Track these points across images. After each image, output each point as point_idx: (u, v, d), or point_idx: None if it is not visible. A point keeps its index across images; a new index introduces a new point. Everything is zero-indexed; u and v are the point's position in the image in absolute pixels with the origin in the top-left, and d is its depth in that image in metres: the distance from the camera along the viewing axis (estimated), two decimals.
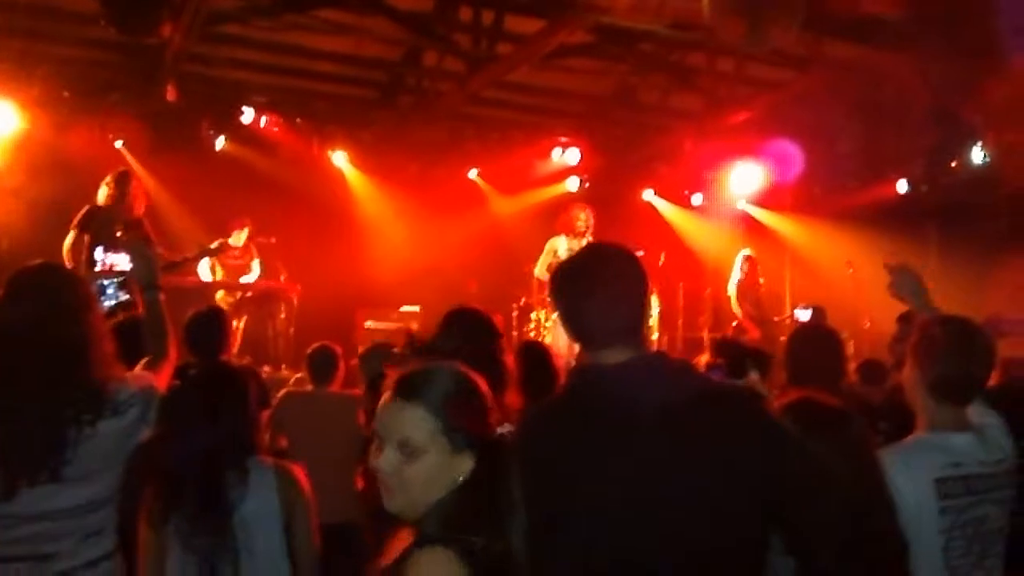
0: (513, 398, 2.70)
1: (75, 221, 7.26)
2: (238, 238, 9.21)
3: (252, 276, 9.27)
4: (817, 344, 3.57)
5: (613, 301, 2.12)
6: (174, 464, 2.93)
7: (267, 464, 3.07)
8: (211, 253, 8.56)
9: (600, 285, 2.13)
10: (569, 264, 2.26)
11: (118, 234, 7.17)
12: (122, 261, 7.08)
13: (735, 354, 5.65)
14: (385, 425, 1.87)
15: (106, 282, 6.93)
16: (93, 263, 7.06)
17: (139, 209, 7.47)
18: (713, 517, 1.96)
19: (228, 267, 9.10)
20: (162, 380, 2.84)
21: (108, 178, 7.46)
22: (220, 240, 8.64)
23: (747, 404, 2.21)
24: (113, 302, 6.75)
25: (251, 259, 9.27)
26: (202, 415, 2.97)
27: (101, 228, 7.20)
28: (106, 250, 7.16)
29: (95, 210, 7.31)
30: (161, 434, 2.86)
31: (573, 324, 2.18)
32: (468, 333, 2.94)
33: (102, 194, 7.37)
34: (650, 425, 1.98)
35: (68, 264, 6.83)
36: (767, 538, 2.06)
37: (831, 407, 2.55)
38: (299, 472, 3.13)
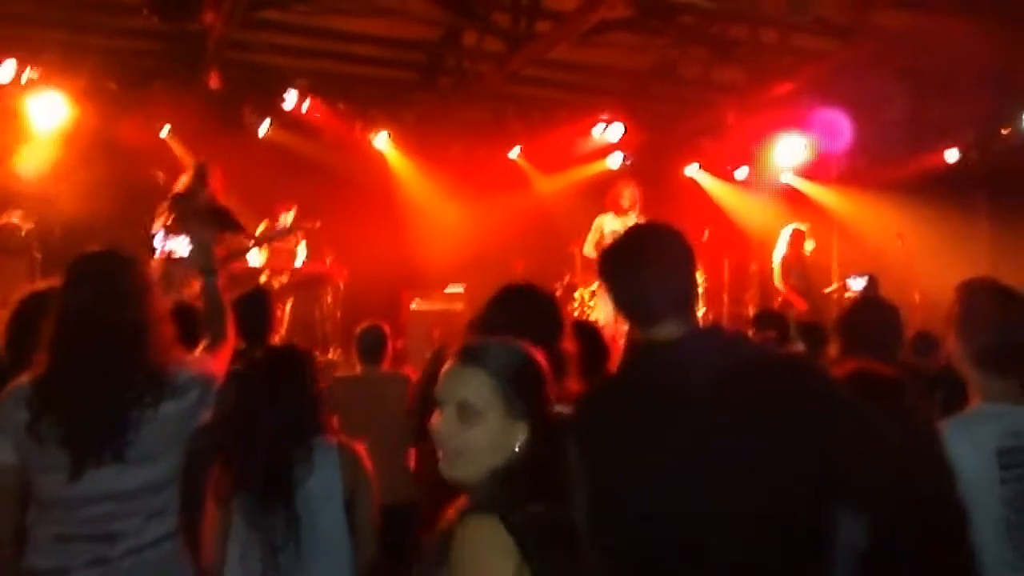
0: (573, 383, 2.66)
1: (159, 209, 7.41)
2: (285, 220, 9.29)
3: (298, 260, 9.34)
4: (875, 316, 3.53)
5: (662, 277, 2.13)
6: (239, 443, 2.99)
7: (331, 443, 3.11)
8: (282, 234, 8.68)
9: (648, 262, 2.15)
10: (616, 244, 2.28)
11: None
12: (180, 247, 7.18)
13: (779, 326, 5.64)
14: (445, 389, 1.89)
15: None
16: (152, 249, 7.17)
17: (220, 196, 7.57)
18: (771, 486, 1.96)
19: (275, 251, 9.18)
20: (221, 363, 2.90)
21: (189, 168, 7.60)
22: (285, 225, 8.80)
23: (803, 370, 2.21)
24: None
25: (297, 243, 9.35)
26: (266, 396, 3.03)
27: (182, 208, 7.33)
28: (165, 236, 7.26)
29: (177, 197, 7.44)
30: (227, 414, 2.91)
31: (623, 302, 2.19)
32: (520, 316, 2.76)
33: (182, 182, 7.50)
34: (706, 397, 1.98)
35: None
36: (826, 506, 2.03)
37: (885, 376, 2.54)
38: (361, 450, 3.18)
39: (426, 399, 2.45)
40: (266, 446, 2.98)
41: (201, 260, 3.08)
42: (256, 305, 4.35)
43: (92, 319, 2.59)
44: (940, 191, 10.03)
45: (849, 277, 9.25)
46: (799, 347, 5.39)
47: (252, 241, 8.41)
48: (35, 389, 2.54)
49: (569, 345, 2.82)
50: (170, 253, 7.24)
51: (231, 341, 3.01)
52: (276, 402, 3.04)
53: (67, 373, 2.54)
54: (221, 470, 2.99)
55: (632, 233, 2.31)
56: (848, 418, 2.06)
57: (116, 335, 2.59)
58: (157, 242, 7.21)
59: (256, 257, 8.99)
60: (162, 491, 2.65)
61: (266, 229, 9.15)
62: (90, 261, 2.72)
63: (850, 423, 2.05)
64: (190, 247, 3.29)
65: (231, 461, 2.99)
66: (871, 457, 2.03)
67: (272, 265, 9.14)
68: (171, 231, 7.28)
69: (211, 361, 2.85)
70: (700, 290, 9.38)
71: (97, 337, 2.57)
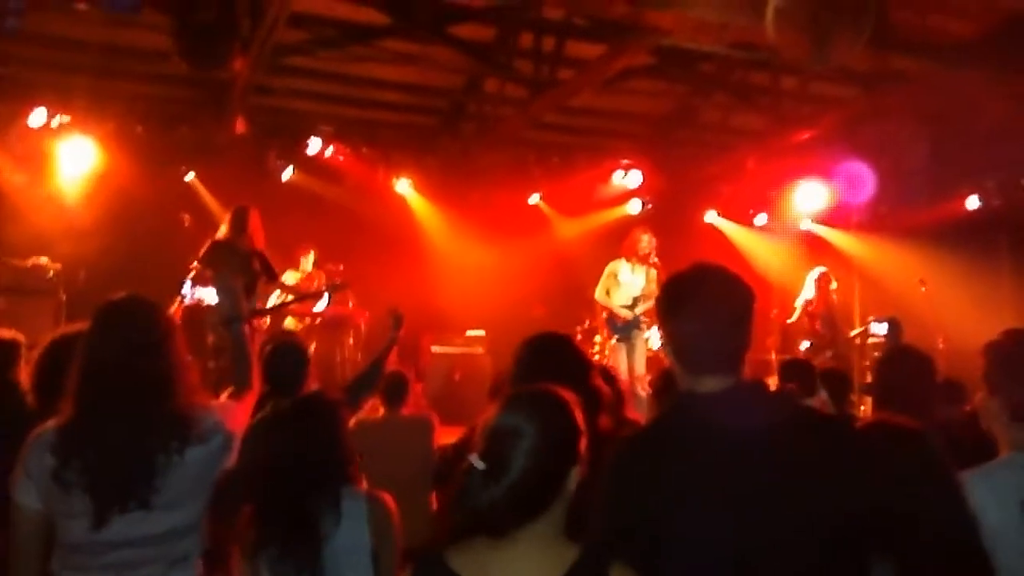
0: (605, 421, 2.66)
1: (199, 255, 7.41)
2: (305, 264, 9.36)
3: (321, 303, 9.39)
4: (908, 369, 3.50)
5: (718, 329, 2.10)
6: (266, 494, 2.97)
7: (359, 494, 3.09)
8: (336, 289, 8.78)
9: (709, 311, 2.10)
10: (679, 284, 2.22)
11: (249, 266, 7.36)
12: (209, 295, 7.25)
13: (804, 375, 5.61)
14: None
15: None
16: (182, 297, 7.22)
17: (259, 242, 7.54)
18: (818, 544, 1.94)
19: (298, 291, 9.23)
20: (244, 411, 2.91)
21: (228, 215, 7.61)
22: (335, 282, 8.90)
23: (846, 432, 2.20)
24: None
25: (320, 286, 9.40)
26: (293, 445, 3.01)
27: (223, 261, 7.30)
28: (193, 284, 7.32)
29: (217, 244, 7.44)
30: (253, 464, 2.91)
31: (676, 347, 2.16)
32: (546, 366, 2.72)
33: (222, 229, 7.52)
34: (753, 452, 1.96)
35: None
36: (868, 564, 2.02)
37: (905, 426, 2.53)
38: (390, 501, 3.14)
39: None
40: (293, 497, 2.96)
41: (228, 308, 3.11)
42: (292, 358, 4.34)
43: (117, 366, 2.60)
44: (962, 237, 9.99)
45: (871, 320, 9.20)
46: (823, 396, 5.35)
47: (287, 295, 8.47)
48: (61, 436, 2.54)
49: (600, 383, 2.83)
50: (199, 301, 7.28)
51: (255, 390, 3.02)
52: (303, 452, 3.02)
53: (92, 420, 2.55)
54: (247, 522, 2.97)
55: (695, 274, 2.22)
56: (892, 484, 2.07)
57: (141, 382, 2.60)
58: (186, 290, 7.24)
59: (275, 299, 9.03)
60: (185, 537, 2.64)
61: (298, 284, 9.21)
62: (115, 308, 2.73)
63: (895, 489, 2.07)
64: (218, 296, 3.34)
65: (257, 512, 2.97)
66: (913, 523, 2.03)
67: (294, 308, 9.20)
68: (199, 280, 7.33)
69: (235, 408, 2.87)
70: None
71: (122, 384, 2.58)
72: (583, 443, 1.92)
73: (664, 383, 4.73)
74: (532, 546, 1.84)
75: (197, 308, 7.27)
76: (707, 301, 2.12)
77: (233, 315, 3.10)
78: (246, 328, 3.08)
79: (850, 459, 2.05)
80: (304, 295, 8.76)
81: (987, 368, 2.70)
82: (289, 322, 9.17)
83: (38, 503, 2.53)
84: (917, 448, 2.44)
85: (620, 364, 8.57)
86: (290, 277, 9.17)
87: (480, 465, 1.85)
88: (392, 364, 5.48)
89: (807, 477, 1.97)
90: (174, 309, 6.90)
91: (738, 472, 1.96)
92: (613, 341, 8.93)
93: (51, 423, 2.59)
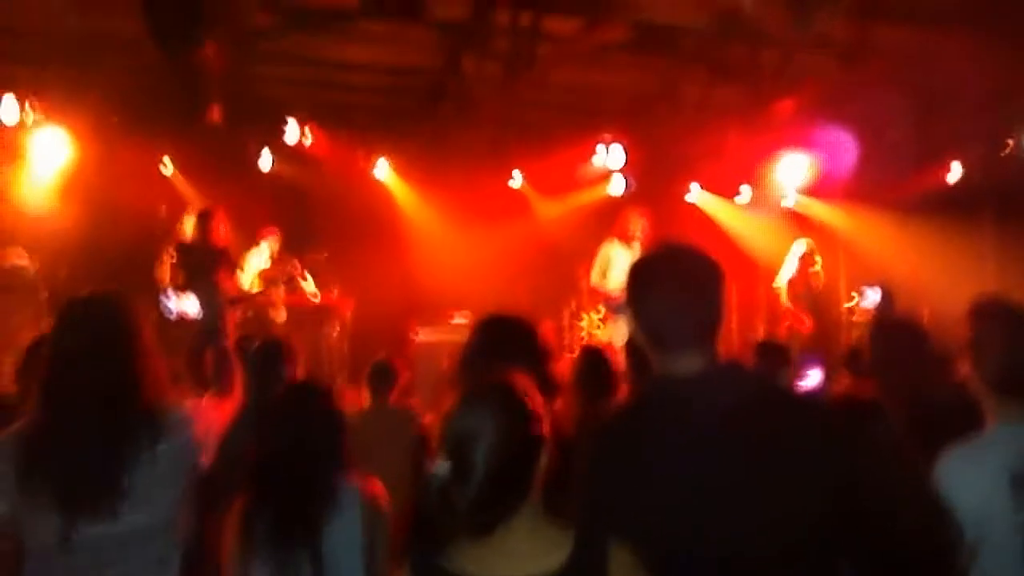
0: (561, 404, 2.65)
1: (164, 256, 7.67)
2: (271, 246, 9.27)
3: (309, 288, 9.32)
4: (903, 340, 3.48)
5: (688, 305, 2.07)
6: (260, 485, 2.93)
7: (353, 484, 3.05)
8: (291, 280, 8.93)
9: (676, 288, 2.08)
10: (645, 263, 2.21)
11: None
12: (191, 307, 7.30)
13: (779, 355, 5.57)
14: None
15: None
16: (167, 311, 7.36)
17: (224, 240, 7.78)
18: (785, 525, 1.93)
19: (266, 279, 9.12)
20: (222, 413, 2.88)
21: (192, 215, 7.83)
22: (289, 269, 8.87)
23: (819, 414, 2.19)
24: None
25: (288, 269, 9.29)
26: (289, 433, 2.97)
27: (185, 261, 7.61)
28: (175, 297, 7.44)
29: (180, 246, 7.72)
30: (250, 452, 2.86)
31: (646, 326, 2.13)
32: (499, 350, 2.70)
33: (187, 230, 7.75)
34: (729, 435, 1.95)
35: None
36: (836, 545, 2.02)
37: (868, 402, 2.56)
38: (382, 492, 3.11)
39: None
40: (289, 488, 2.91)
41: (211, 320, 3.11)
42: (274, 358, 4.26)
43: (85, 360, 2.55)
44: (945, 208, 9.98)
45: (864, 287, 9.19)
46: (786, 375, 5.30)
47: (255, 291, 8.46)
48: (25, 443, 2.50)
49: (562, 368, 2.81)
50: (182, 315, 7.33)
51: (237, 395, 3.00)
52: (298, 440, 2.98)
53: (59, 420, 2.51)
54: (240, 517, 2.92)
55: (662, 254, 2.23)
56: (863, 465, 2.09)
57: (111, 377, 2.55)
58: (170, 303, 7.32)
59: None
60: (157, 536, 2.58)
61: (264, 270, 9.14)
62: (82, 303, 2.70)
63: (866, 472, 2.10)
64: (201, 309, 3.33)
65: (250, 505, 2.92)
66: (884, 507, 2.05)
67: (285, 299, 9.12)
68: (180, 291, 7.46)
69: (211, 409, 2.83)
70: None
71: (92, 380, 2.53)
72: (545, 427, 1.90)
73: (637, 361, 4.59)
74: (525, 535, 1.83)
75: (181, 322, 7.28)
76: (676, 279, 2.10)
77: (216, 327, 3.09)
78: (227, 339, 3.07)
79: (819, 438, 2.05)
80: (266, 289, 8.69)
81: (969, 338, 2.66)
82: (273, 313, 9.06)
83: (4, 507, 2.48)
84: (875, 424, 2.47)
85: (618, 334, 8.62)
86: (254, 261, 9.09)
87: (445, 468, 1.82)
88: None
89: (781, 459, 1.96)
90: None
91: (715, 455, 1.95)
92: (611, 321, 9.01)
93: (15, 427, 2.53)
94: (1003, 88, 8.33)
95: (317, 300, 9.27)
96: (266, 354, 4.25)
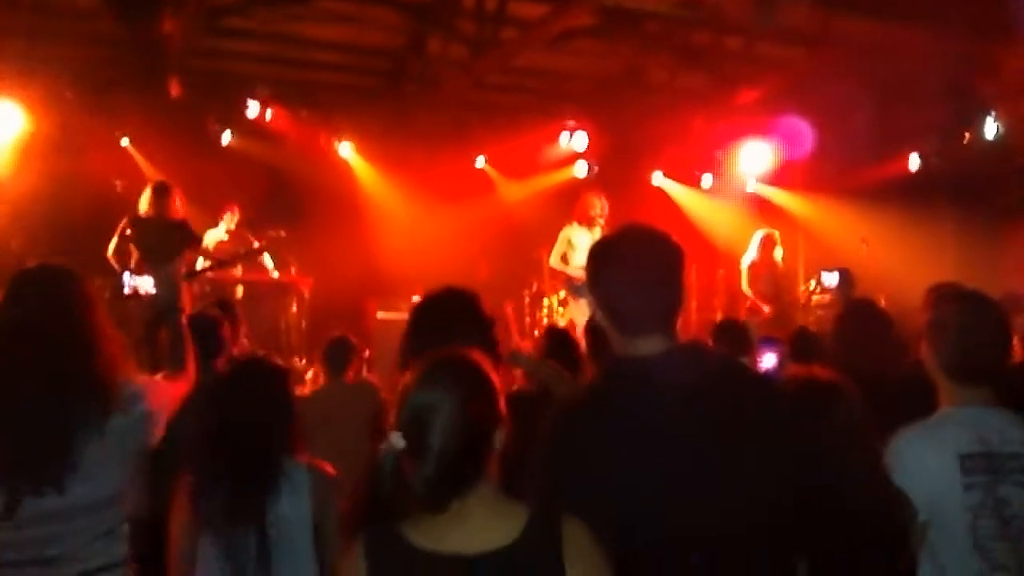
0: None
1: (118, 229, 7.45)
2: (229, 223, 9.18)
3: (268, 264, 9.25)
4: (867, 324, 3.53)
5: (651, 288, 2.08)
6: (207, 461, 2.90)
7: (301, 464, 3.03)
8: (252, 255, 8.75)
9: (638, 271, 2.09)
10: (606, 247, 2.22)
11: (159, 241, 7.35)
12: (147, 284, 7.20)
13: (738, 335, 5.60)
14: None
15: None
16: (121, 286, 7.22)
17: (179, 212, 7.60)
18: (749, 503, 1.95)
19: (224, 253, 9.01)
20: (176, 390, 2.85)
21: (147, 189, 7.59)
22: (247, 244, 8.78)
23: (782, 393, 2.28)
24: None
25: (245, 244, 9.23)
26: (236, 408, 2.95)
27: (141, 236, 7.41)
28: (133, 274, 7.31)
29: (136, 220, 7.48)
30: (196, 430, 2.83)
31: (608, 309, 2.13)
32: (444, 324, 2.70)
33: (142, 205, 7.50)
34: (687, 414, 1.96)
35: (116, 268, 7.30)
36: (794, 526, 2.04)
37: (825, 383, 2.63)
38: (331, 472, 3.09)
39: None
40: (235, 467, 2.89)
41: (167, 298, 3.08)
42: (205, 330, 4.19)
43: (35, 334, 2.50)
44: (904, 196, 10.10)
45: (823, 271, 9.28)
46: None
47: (210, 261, 8.33)
48: None
49: (526, 344, 2.82)
50: (135, 290, 7.22)
51: (190, 374, 2.97)
52: (245, 416, 2.95)
53: (3, 393, 2.45)
54: (188, 493, 2.89)
55: (624, 236, 2.23)
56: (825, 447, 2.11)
57: (60, 350, 2.50)
58: (125, 280, 7.20)
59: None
60: (104, 510, 2.54)
61: (222, 244, 9.04)
62: (31, 276, 2.65)
63: (809, 460, 2.09)
64: (156, 284, 3.33)
65: (197, 481, 2.90)
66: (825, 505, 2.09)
67: (243, 278, 9.05)
68: (137, 269, 7.33)
69: (164, 386, 2.79)
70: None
71: (40, 352, 2.48)
72: (502, 403, 1.90)
73: (598, 343, 4.59)
74: (481, 510, 1.83)
75: (136, 296, 7.19)
76: (636, 261, 2.11)
77: (171, 304, 3.06)
78: (183, 316, 3.05)
79: (782, 417, 2.09)
80: (224, 261, 8.58)
81: (927, 322, 2.71)
82: (229, 289, 8.97)
83: None
84: (831, 405, 2.56)
85: (579, 315, 8.64)
86: (211, 236, 8.99)
87: (400, 444, 1.82)
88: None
89: (744, 438, 1.98)
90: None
91: (678, 434, 1.96)
92: (573, 302, 9.06)
93: None
94: (961, 80, 8.44)
95: (275, 277, 9.20)
96: (198, 327, 4.22)
